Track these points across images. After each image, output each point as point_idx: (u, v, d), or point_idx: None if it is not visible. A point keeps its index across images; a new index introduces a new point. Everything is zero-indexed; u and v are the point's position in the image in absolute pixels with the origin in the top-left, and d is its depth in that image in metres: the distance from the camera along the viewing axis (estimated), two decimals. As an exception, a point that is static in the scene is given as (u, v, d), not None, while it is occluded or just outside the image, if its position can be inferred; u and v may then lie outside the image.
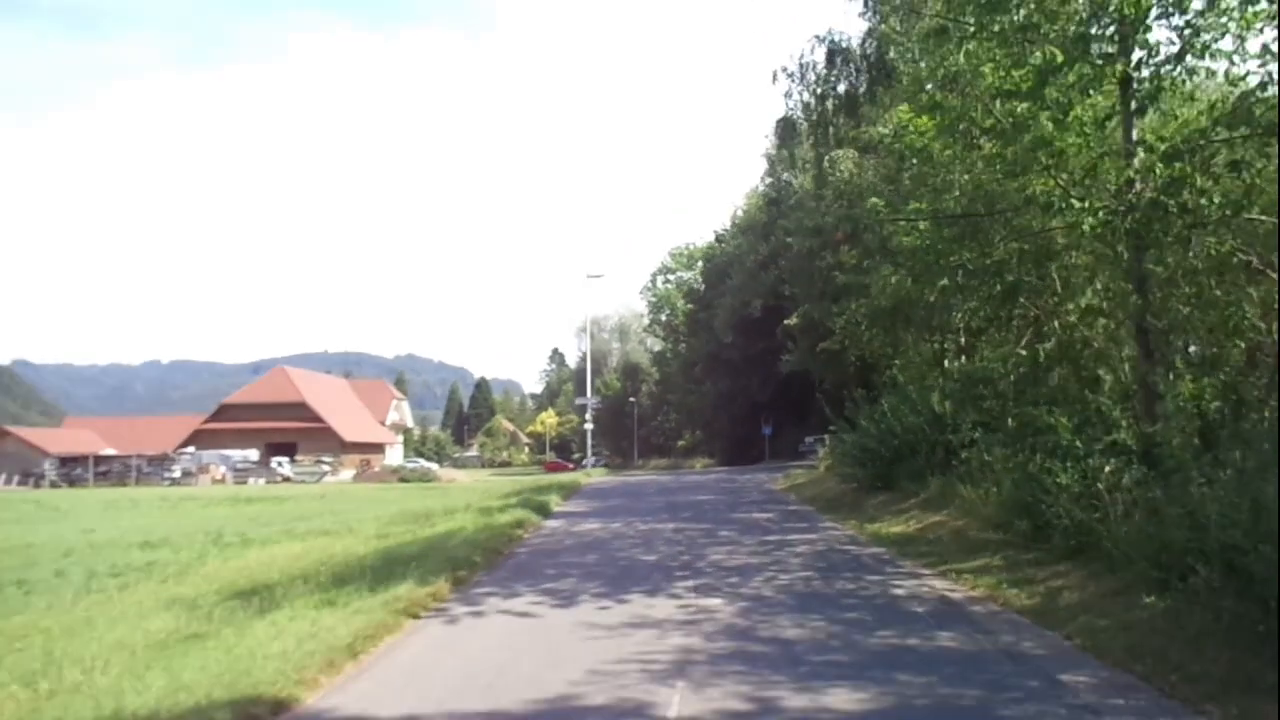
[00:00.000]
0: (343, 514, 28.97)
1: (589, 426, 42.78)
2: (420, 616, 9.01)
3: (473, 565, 11.84)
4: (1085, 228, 10.45)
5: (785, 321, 34.18)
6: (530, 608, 9.23)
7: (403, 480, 67.24)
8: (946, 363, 23.31)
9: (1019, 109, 11.20)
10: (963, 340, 23.03)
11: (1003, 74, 11.33)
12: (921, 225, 14.68)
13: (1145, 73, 10.51)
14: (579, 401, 44.70)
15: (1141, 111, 10.68)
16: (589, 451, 43.32)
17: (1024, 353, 14.63)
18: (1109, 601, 8.00)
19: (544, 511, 19.17)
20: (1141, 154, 10.10)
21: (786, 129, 23.12)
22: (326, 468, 75.44)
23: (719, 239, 52.08)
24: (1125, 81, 10.75)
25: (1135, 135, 10.88)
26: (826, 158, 21.87)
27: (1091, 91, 10.94)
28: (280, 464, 74.18)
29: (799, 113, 23.13)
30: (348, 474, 76.12)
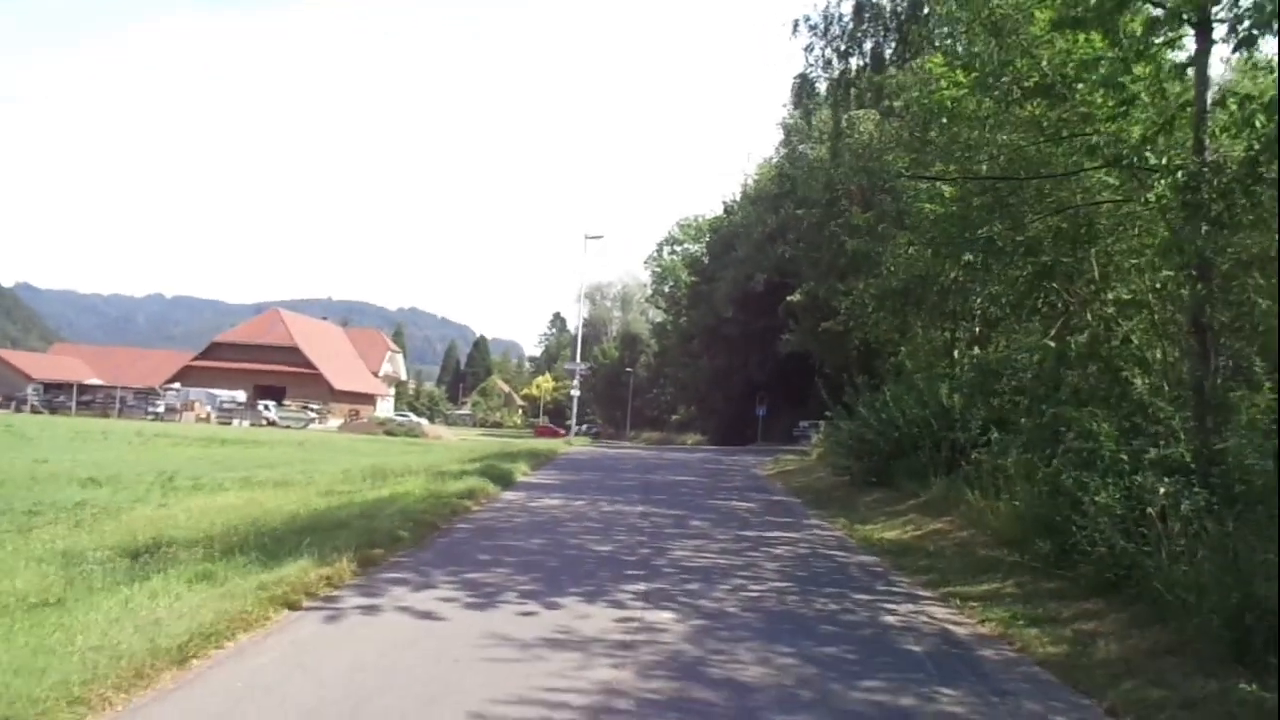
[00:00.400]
0: (309, 464, 27.63)
1: (575, 393, 40.96)
2: (299, 608, 7.21)
3: (395, 541, 10.06)
4: (1152, 196, 8.57)
5: (788, 298, 32.31)
6: (438, 605, 7.44)
7: (388, 434, 65.59)
8: (957, 353, 21.50)
9: (1079, 47, 9.27)
10: (977, 329, 21.22)
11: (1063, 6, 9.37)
12: (947, 190, 12.76)
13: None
14: (568, 367, 42.94)
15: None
16: (574, 419, 41.44)
17: (1052, 344, 12.75)
18: (1162, 663, 6.19)
19: (506, 481, 17.38)
20: (1233, 106, 8.14)
21: (804, 88, 21.12)
22: (313, 415, 73.81)
23: (728, 210, 50.01)
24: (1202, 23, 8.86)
25: (1217, 88, 8.98)
26: (845, 117, 19.89)
27: (1166, 33, 9.03)
28: (266, 407, 72.63)
29: (819, 70, 21.18)
30: (335, 423, 74.56)
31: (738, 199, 47.88)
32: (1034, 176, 11.27)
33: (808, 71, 21.57)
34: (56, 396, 69.06)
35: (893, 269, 19.92)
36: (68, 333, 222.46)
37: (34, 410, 66.52)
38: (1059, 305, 14.42)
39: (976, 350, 21.06)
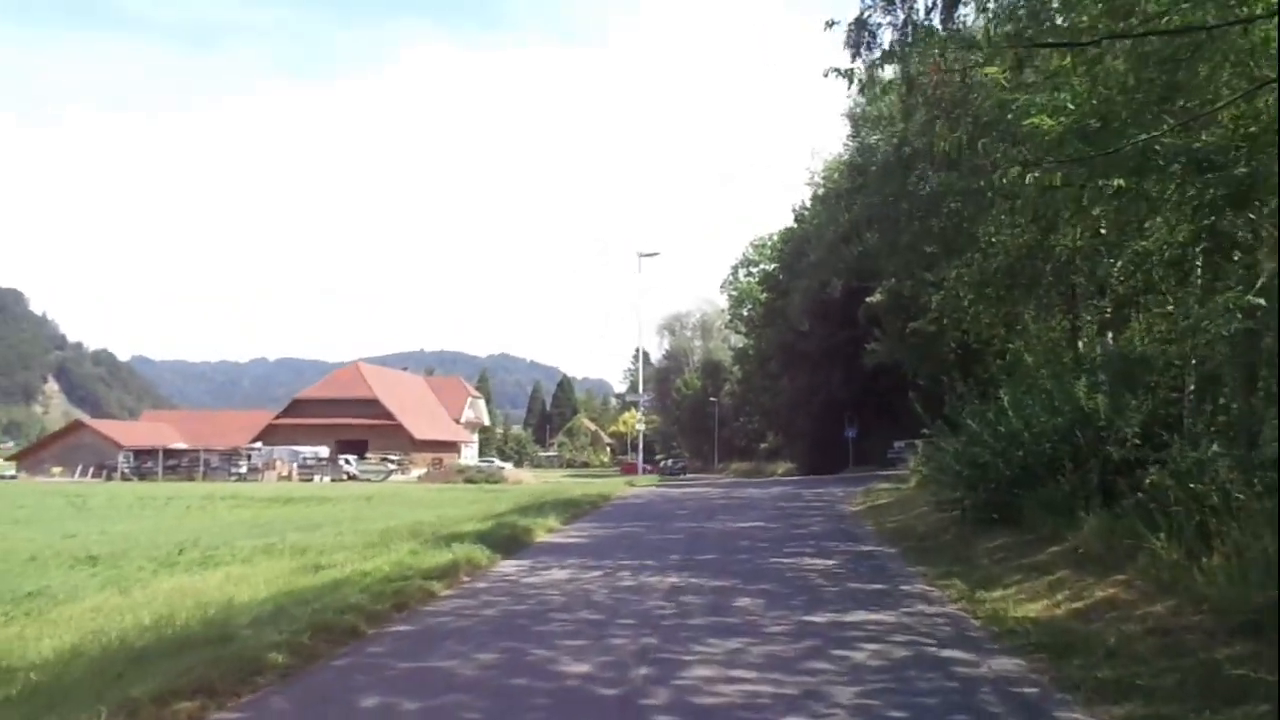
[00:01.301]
0: (357, 522, 25.31)
1: (640, 427, 36.94)
2: None
3: (256, 673, 6.31)
4: None
5: (867, 299, 27.85)
6: None
7: (468, 481, 62.77)
8: (1082, 343, 16.94)
9: None
10: (1108, 310, 16.63)
11: None
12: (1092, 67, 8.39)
13: None
14: (629, 398, 39.06)
15: None
16: (640, 454, 37.46)
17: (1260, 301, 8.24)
18: None
19: (514, 544, 13.54)
20: None
21: (860, 34, 16.93)
22: (392, 466, 71.63)
23: (798, 219, 45.62)
24: None
25: None
26: (917, 54, 15.65)
27: None
28: (347, 461, 70.66)
29: (877, 13, 17.03)
30: (418, 472, 72.19)
31: (807, 203, 43.53)
32: (1232, 23, 6.82)
33: (865, 14, 17.40)
34: (145, 463, 68.54)
35: (994, 243, 15.53)
36: (179, 400, 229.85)
37: (124, 478, 65.99)
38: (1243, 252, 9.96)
39: (1111, 337, 16.48)
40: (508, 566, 11.57)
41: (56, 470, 71.27)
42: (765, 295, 56.02)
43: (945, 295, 19.64)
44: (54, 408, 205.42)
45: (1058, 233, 15.90)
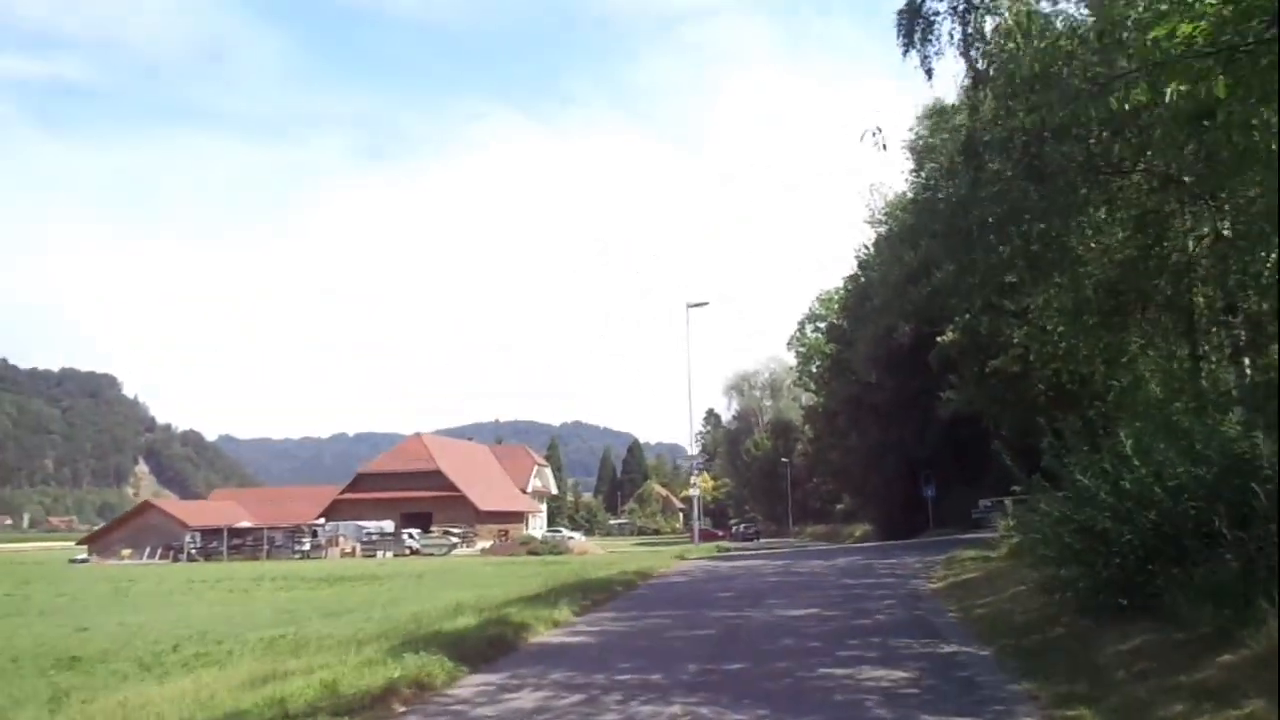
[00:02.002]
0: (392, 606, 23.09)
1: (695, 492, 33.80)
2: None
3: None
4: None
5: (939, 338, 24.59)
6: None
7: (531, 553, 60.04)
8: (1206, 374, 13.64)
9: None
10: (1241, 335, 13.33)
11: None
12: None
13: None
14: (679, 461, 36.16)
15: None
16: (697, 520, 34.22)
17: None
18: None
19: (505, 645, 10.71)
20: None
21: (913, 23, 14.21)
22: (455, 539, 69.35)
23: (862, 265, 42.42)
24: None
25: None
26: (993, 27, 12.76)
27: None
28: (411, 535, 68.64)
29: (934, -1, 14.36)
30: (483, 544, 69.77)
31: (869, 245, 40.34)
32: None
33: (919, 1, 14.70)
34: (211, 543, 67.46)
35: (1092, 249, 12.44)
36: (263, 477, 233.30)
37: (190, 559, 64.90)
38: None
39: (1248, 363, 13.13)
40: (467, 687, 8.68)
41: (126, 553, 70.74)
42: (830, 347, 52.68)
43: (1030, 328, 16.47)
44: (144, 489, 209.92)
45: (1170, 238, 12.72)
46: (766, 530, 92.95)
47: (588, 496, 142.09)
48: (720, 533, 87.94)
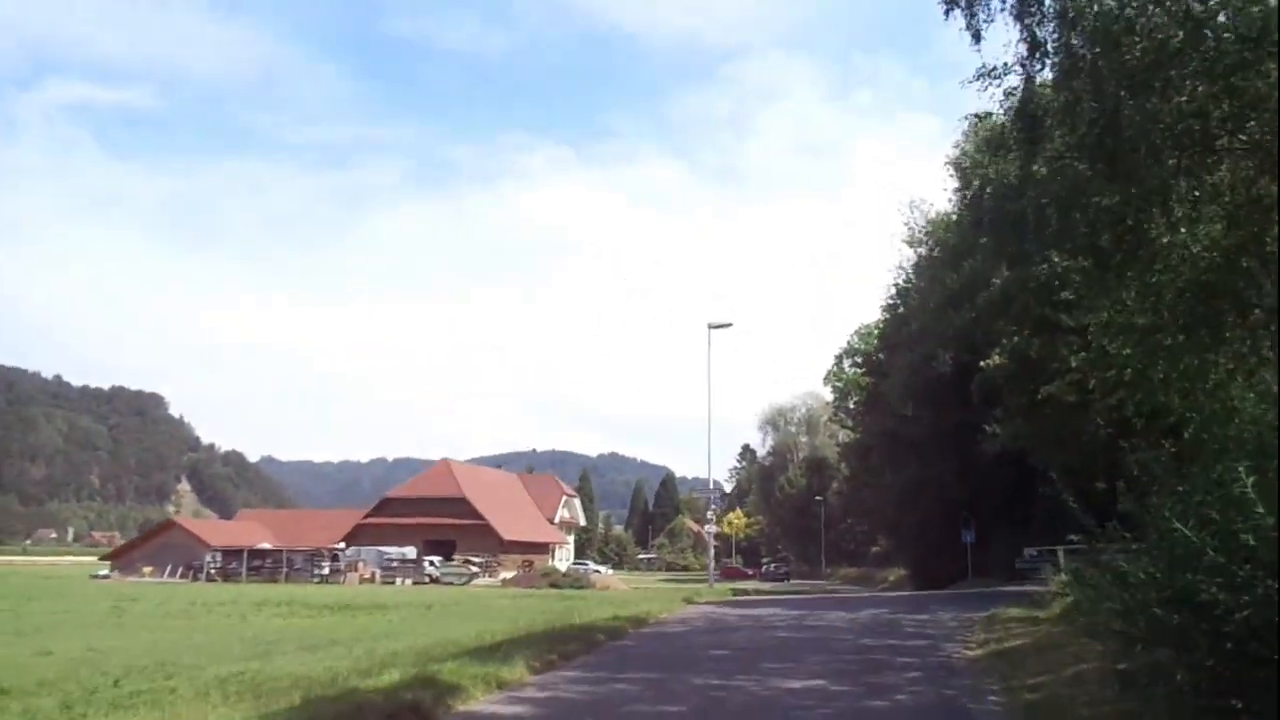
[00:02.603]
0: (382, 640, 20.62)
1: (711, 528, 31.11)
2: None
3: None
4: None
5: (982, 363, 21.80)
6: None
7: (553, 586, 57.34)
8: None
9: None
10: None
11: None
12: None
13: None
14: (697, 493, 33.57)
15: None
16: (712, 560, 31.45)
17: None
18: None
19: (422, 715, 8.30)
20: None
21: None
22: (475, 569, 66.96)
23: (900, 292, 39.53)
24: None
25: None
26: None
27: None
28: (432, 564, 66.32)
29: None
30: (506, 575, 67.25)
31: (909, 268, 37.37)
32: None
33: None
34: (230, 563, 65.67)
35: (1179, 241, 9.82)
36: (302, 499, 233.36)
37: (209, 578, 63.17)
38: None
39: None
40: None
41: (147, 570, 69.30)
42: (867, 381, 49.72)
43: (1090, 350, 13.79)
44: (185, 507, 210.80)
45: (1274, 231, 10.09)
46: (798, 571, 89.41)
47: (619, 529, 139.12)
48: (750, 571, 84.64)
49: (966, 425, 28.52)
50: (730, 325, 28.81)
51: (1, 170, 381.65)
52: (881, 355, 42.30)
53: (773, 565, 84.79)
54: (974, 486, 32.51)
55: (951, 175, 29.31)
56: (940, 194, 36.47)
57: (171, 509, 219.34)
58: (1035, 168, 10.35)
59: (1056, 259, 12.37)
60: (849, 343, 72.65)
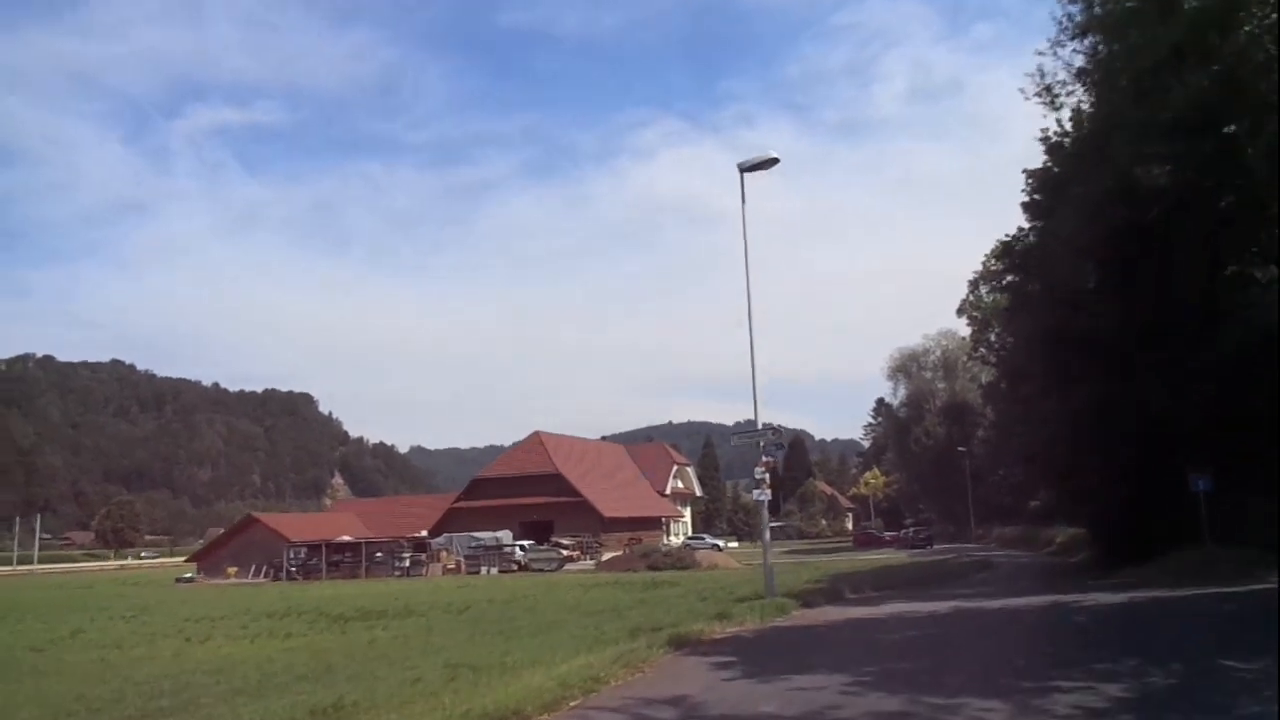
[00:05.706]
0: (384, 665, 14.12)
1: (762, 497, 19.96)
2: None
3: None
4: None
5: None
6: None
7: (651, 568, 47.55)
8: None
9: None
10: None
11: None
12: None
13: None
14: (735, 441, 22.16)
15: None
16: (766, 524, 20.20)
17: None
18: None
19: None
20: None
21: None
22: (565, 552, 57.64)
23: (1050, 147, 26.41)
24: None
25: None
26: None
27: None
28: (521, 548, 57.35)
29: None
30: (610, 555, 57.76)
31: (1063, 124, 24.13)
32: None
33: None
34: (311, 559, 58.68)
35: None
36: (450, 486, 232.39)
37: (290, 576, 56.50)
38: None
39: None
40: None
41: (232, 570, 63.41)
42: (1003, 298, 36.92)
43: None
44: (340, 499, 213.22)
45: None
46: (943, 532, 76.07)
47: (749, 497, 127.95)
48: (888, 536, 72.05)
49: (1194, 295, 15.89)
50: (776, 160, 17.52)
51: (159, 197, 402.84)
52: (1037, 227, 28.18)
53: (911, 529, 71.47)
54: (1206, 404, 18.97)
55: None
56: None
57: (328, 502, 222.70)
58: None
59: None
60: (985, 264, 58.79)
